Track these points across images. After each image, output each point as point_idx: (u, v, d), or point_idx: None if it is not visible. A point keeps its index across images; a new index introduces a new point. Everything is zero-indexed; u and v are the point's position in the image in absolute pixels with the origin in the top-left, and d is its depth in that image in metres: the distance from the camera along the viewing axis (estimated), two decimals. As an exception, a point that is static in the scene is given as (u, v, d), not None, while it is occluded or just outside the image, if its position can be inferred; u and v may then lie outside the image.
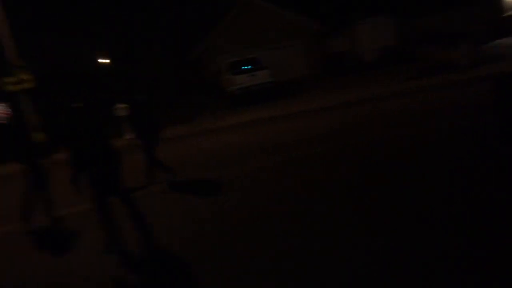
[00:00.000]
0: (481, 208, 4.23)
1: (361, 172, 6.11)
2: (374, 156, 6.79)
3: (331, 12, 28.14)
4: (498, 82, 6.25)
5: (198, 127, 14.76)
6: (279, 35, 23.59)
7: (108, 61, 29.91)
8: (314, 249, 4.06)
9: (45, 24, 27.47)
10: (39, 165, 6.68)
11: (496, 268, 3.25)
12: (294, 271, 3.74)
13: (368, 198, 5.05)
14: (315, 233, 4.38)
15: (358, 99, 13.55)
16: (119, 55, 30.48)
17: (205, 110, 18.32)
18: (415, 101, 11.30)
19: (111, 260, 4.72)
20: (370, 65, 22.14)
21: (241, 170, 7.55)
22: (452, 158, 5.95)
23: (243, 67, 18.82)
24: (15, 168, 11.43)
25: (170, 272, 4.31)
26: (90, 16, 28.26)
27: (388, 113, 10.47)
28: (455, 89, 11.88)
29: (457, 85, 12.50)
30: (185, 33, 29.13)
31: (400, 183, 5.32)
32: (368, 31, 23.63)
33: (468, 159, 5.74)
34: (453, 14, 22.58)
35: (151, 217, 5.44)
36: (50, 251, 5.52)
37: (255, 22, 23.42)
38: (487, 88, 6.63)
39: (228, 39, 23.50)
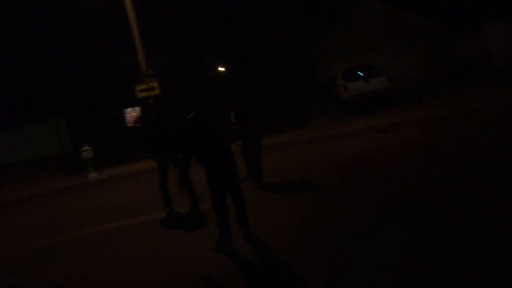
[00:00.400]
0: None
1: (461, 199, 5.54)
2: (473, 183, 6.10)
3: (456, 12, 26.23)
4: None
5: (310, 133, 14.75)
6: (398, 39, 22.62)
7: (224, 69, 31.34)
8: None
9: (168, 34, 29.67)
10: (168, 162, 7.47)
11: None
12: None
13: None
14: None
15: (480, 108, 12.37)
16: (236, 61, 31.75)
17: (318, 117, 18.27)
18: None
19: (218, 258, 4.94)
20: (500, 69, 20.15)
21: (341, 179, 7.42)
22: None
23: (358, 74, 18.44)
24: (148, 165, 12.64)
25: (274, 272, 4.41)
26: (210, 23, 29.82)
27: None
28: None
29: None
30: (302, 38, 29.37)
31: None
32: (499, 31, 21.57)
33: None
34: None
35: (257, 219, 5.62)
36: (168, 241, 5.95)
37: (374, 26, 22.72)
38: None
39: (344, 44, 23.14)
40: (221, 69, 31.40)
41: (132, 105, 30.03)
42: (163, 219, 7.11)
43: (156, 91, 15.72)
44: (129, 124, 31.16)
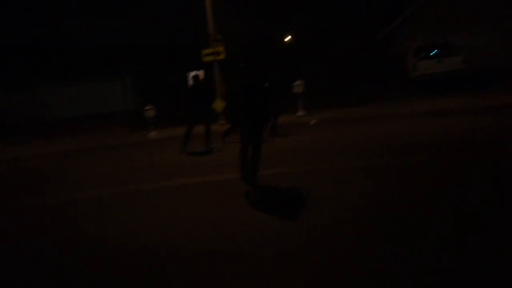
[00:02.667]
0: None
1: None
2: None
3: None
4: None
5: (371, 111, 14.25)
6: (486, 17, 20.71)
7: (288, 38, 30.87)
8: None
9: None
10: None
11: None
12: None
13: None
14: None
15: None
16: (302, 33, 31.08)
17: (383, 95, 17.59)
18: None
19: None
20: None
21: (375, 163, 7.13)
22: None
23: (430, 52, 17.39)
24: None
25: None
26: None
27: None
28: None
29: None
30: (376, 11, 28.15)
31: None
32: None
33: None
34: None
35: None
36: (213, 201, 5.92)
37: (457, 1, 21.00)
38: None
39: (421, 19, 21.77)
40: (287, 39, 31.03)
41: (196, 68, 30.48)
42: (205, 183, 7.14)
43: (222, 56, 15.80)
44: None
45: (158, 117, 14.86)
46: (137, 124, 16.99)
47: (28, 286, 3.97)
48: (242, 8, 30.88)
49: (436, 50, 17.45)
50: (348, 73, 24.41)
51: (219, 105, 15.50)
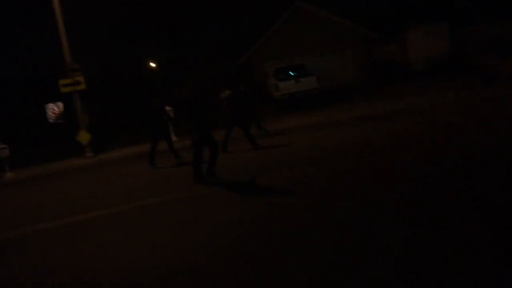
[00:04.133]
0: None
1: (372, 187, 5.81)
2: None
3: (383, 18, 27.55)
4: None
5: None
6: (328, 41, 23.26)
7: (155, 65, 30.74)
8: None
9: (99, 27, 28.53)
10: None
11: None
12: None
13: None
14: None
15: (400, 110, 13.18)
16: (169, 58, 31.15)
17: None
18: (464, 115, 10.71)
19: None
20: (420, 74, 21.34)
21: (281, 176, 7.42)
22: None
23: (288, 73, 18.75)
24: (69, 164, 11.92)
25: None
26: (144, 19, 29.14)
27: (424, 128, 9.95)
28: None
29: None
30: (237, 36, 29.43)
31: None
32: (420, 38, 22.86)
33: None
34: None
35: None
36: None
37: (305, 28, 23.21)
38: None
39: (277, 44, 23.43)
40: (152, 65, 30.80)
41: (54, 100, 28.38)
42: (77, 223, 6.72)
43: (82, 86, 15.02)
44: (51, 120, 29.41)
45: (15, 155, 13.49)
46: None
47: None
48: (100, 36, 29.87)
49: (293, 72, 18.88)
50: (214, 97, 24.96)
51: (84, 137, 14.69)
